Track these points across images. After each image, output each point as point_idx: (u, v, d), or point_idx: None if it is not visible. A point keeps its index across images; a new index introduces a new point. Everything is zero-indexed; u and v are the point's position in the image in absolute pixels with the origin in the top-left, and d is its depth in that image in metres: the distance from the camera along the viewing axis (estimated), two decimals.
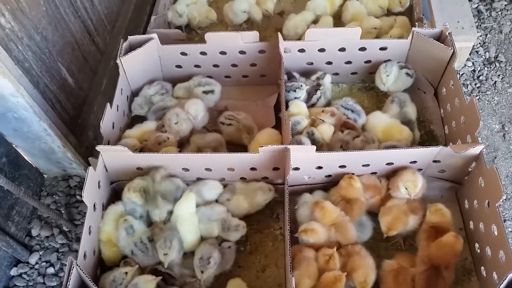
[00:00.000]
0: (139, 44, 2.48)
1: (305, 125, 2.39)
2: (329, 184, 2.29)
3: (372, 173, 2.26)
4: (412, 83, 2.62)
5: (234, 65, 2.70)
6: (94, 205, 2.07)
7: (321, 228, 2.08)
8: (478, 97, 3.20)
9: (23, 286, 2.41)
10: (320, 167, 2.18)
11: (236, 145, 2.51)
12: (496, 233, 1.91)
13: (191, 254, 2.11)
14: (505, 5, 3.67)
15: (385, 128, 2.41)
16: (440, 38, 2.46)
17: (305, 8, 3.07)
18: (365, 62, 2.68)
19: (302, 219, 2.19)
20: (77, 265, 1.77)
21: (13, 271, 2.43)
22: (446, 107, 2.45)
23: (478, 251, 2.09)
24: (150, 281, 1.94)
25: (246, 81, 2.82)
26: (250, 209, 2.27)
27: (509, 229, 2.69)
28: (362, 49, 2.58)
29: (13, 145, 2.46)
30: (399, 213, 2.11)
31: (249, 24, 3.14)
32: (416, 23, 2.70)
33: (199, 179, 2.29)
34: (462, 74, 3.31)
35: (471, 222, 2.18)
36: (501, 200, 1.88)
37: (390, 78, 2.56)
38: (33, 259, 2.47)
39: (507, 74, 3.30)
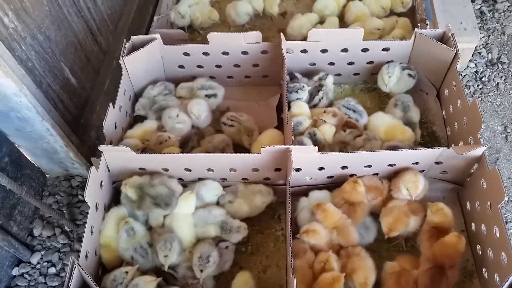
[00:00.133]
0: (142, 44, 2.48)
1: (307, 125, 2.39)
2: (331, 185, 2.28)
3: (374, 174, 2.25)
4: (415, 84, 2.62)
5: (236, 66, 2.70)
6: (96, 205, 2.07)
7: (322, 230, 2.08)
8: (480, 99, 3.20)
9: (25, 286, 2.41)
10: (322, 168, 2.18)
11: (238, 146, 2.51)
12: (498, 235, 1.90)
13: None
14: (508, 6, 3.66)
15: (387, 128, 2.41)
16: (443, 39, 2.46)
17: (312, 8, 3.09)
18: (368, 63, 2.68)
19: (302, 224, 2.18)
20: (79, 265, 1.77)
21: (15, 271, 2.43)
22: (449, 108, 2.45)
23: (480, 252, 2.09)
24: (150, 281, 1.94)
25: (248, 82, 2.82)
26: (251, 212, 2.27)
27: (511, 231, 2.69)
28: (365, 50, 2.58)
29: (16, 145, 2.47)
30: (400, 214, 2.11)
31: (251, 24, 3.14)
32: (419, 24, 2.69)
33: (200, 179, 2.29)
34: (464, 76, 3.31)
35: (473, 224, 2.18)
36: (503, 201, 1.88)
37: (392, 79, 2.56)
38: (34, 259, 2.47)
39: (510, 75, 3.30)
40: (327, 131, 2.35)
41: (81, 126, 2.62)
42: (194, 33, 3.18)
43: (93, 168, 2.03)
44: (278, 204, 2.35)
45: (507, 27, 3.54)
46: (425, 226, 2.11)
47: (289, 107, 2.42)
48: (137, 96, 2.68)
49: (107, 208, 2.22)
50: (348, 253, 2.04)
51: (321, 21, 3.02)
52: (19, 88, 2.05)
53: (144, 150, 2.33)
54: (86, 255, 1.94)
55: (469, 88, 3.26)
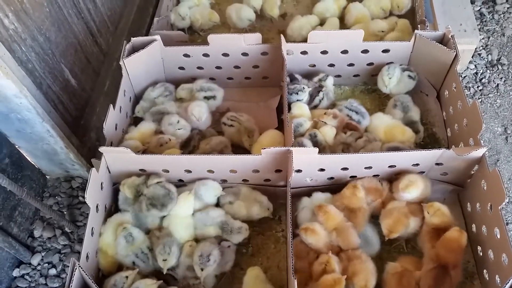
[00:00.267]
0: (142, 46, 2.48)
1: (308, 127, 2.39)
2: (332, 186, 2.28)
3: (375, 175, 2.25)
4: (415, 85, 2.62)
5: (236, 67, 2.70)
6: (97, 206, 2.07)
7: (322, 231, 2.08)
8: (480, 100, 3.20)
9: (26, 287, 2.41)
10: (322, 169, 2.18)
11: (238, 147, 2.52)
12: (498, 236, 1.90)
13: None
14: (508, 8, 3.66)
15: (387, 129, 2.41)
16: (443, 41, 2.46)
17: (312, 9, 3.09)
18: (368, 64, 2.67)
19: (302, 223, 2.17)
20: (79, 266, 1.77)
21: (16, 272, 2.43)
22: (449, 110, 2.45)
23: (481, 254, 2.09)
24: (151, 285, 1.94)
25: (248, 83, 2.82)
26: (248, 217, 2.26)
27: None
28: (365, 51, 2.58)
29: (16, 146, 2.47)
30: (400, 215, 2.11)
31: (251, 26, 3.15)
32: (419, 26, 2.70)
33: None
34: (464, 77, 3.31)
35: (473, 225, 2.17)
36: (504, 203, 1.88)
37: (392, 81, 2.56)
38: (35, 260, 2.47)
39: (510, 77, 3.30)
40: (327, 132, 2.35)
41: (81, 128, 2.62)
42: (194, 34, 3.18)
43: (93, 169, 2.03)
44: (278, 206, 2.35)
45: (507, 28, 3.55)
46: (425, 227, 2.11)
47: (289, 109, 2.42)
48: (138, 97, 2.68)
49: (108, 210, 2.22)
50: (348, 256, 2.03)
51: (321, 23, 3.02)
52: (19, 90, 2.05)
53: (144, 152, 2.32)
54: (87, 257, 1.94)
55: (469, 90, 3.26)
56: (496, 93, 3.23)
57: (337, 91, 2.82)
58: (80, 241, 2.52)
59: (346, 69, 2.71)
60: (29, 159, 2.59)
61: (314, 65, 2.68)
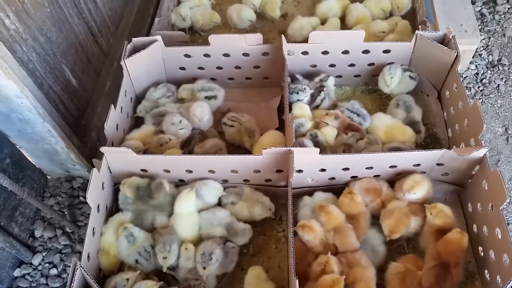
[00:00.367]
0: (143, 46, 2.48)
1: (309, 127, 2.39)
2: (332, 186, 2.29)
3: (375, 175, 2.26)
4: (416, 86, 2.62)
5: (237, 67, 2.70)
6: (98, 206, 2.07)
7: (319, 228, 2.08)
8: (481, 100, 3.20)
9: (26, 287, 2.41)
10: (323, 170, 2.18)
11: (238, 147, 2.53)
12: (500, 237, 1.90)
13: None
14: (508, 8, 3.66)
15: (387, 129, 2.42)
16: (444, 41, 2.46)
17: (313, 9, 3.10)
18: (369, 64, 2.68)
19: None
20: (81, 266, 1.77)
21: (17, 272, 2.43)
22: (450, 110, 2.45)
23: (482, 254, 2.09)
24: (151, 286, 1.94)
25: (249, 83, 2.82)
26: (249, 218, 2.26)
27: None
28: (366, 51, 2.59)
29: (17, 146, 2.46)
30: (401, 215, 2.11)
31: (252, 26, 3.15)
32: (420, 26, 2.70)
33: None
34: (465, 77, 3.31)
35: (474, 226, 2.18)
36: (505, 203, 1.88)
37: (394, 81, 2.56)
38: (36, 260, 2.47)
39: (510, 77, 3.30)
40: (328, 133, 2.35)
41: (82, 128, 2.62)
42: (195, 34, 3.19)
43: (94, 169, 2.03)
44: (279, 206, 2.35)
45: (508, 29, 3.55)
46: (428, 229, 2.11)
47: (290, 109, 2.42)
48: (138, 97, 2.68)
49: (109, 210, 2.22)
50: (349, 261, 2.03)
51: (323, 23, 3.02)
52: (21, 90, 2.05)
53: (145, 152, 2.32)
54: (88, 257, 1.94)
55: (470, 90, 3.26)
56: (496, 94, 3.23)
57: (338, 92, 2.82)
58: (81, 241, 2.52)
59: (347, 70, 2.71)
60: (30, 159, 2.59)
61: (315, 66, 2.68)
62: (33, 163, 2.62)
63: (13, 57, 2.02)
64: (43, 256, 2.49)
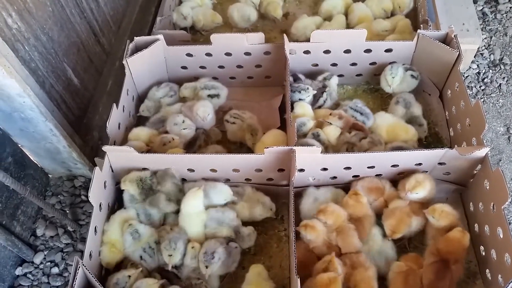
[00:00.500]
0: (145, 45, 2.48)
1: (311, 126, 2.39)
2: (334, 185, 2.29)
3: (377, 175, 2.26)
4: (417, 85, 2.62)
5: (239, 66, 2.70)
6: (100, 205, 2.08)
7: (321, 228, 2.08)
8: (482, 100, 3.20)
9: (28, 285, 2.41)
10: (325, 169, 2.19)
11: (240, 145, 2.53)
12: (501, 236, 1.90)
13: None
14: (510, 7, 3.66)
15: (389, 127, 2.42)
16: (446, 40, 2.46)
17: (314, 9, 3.11)
18: (370, 64, 2.68)
19: (304, 211, 2.21)
20: (83, 265, 1.78)
21: (18, 271, 2.43)
22: (451, 110, 2.45)
23: (483, 253, 2.09)
24: (152, 284, 1.94)
25: (251, 82, 2.82)
26: (249, 218, 2.26)
27: None
28: (368, 51, 2.58)
29: (19, 145, 2.47)
30: (402, 215, 2.11)
31: (254, 25, 3.15)
32: (421, 25, 2.69)
33: (204, 179, 2.28)
34: (466, 77, 3.31)
35: (476, 225, 2.18)
36: (507, 202, 1.88)
37: (395, 80, 2.56)
38: (38, 259, 2.47)
39: None
40: (330, 132, 2.35)
41: (84, 127, 2.63)
42: (196, 34, 3.18)
43: (97, 168, 2.03)
44: (281, 205, 2.35)
45: (509, 28, 3.54)
46: (433, 231, 2.09)
47: (292, 108, 2.42)
48: (140, 96, 2.68)
49: (111, 209, 2.22)
50: (353, 263, 2.02)
51: (328, 20, 3.03)
52: (23, 89, 2.06)
53: (148, 152, 2.32)
54: (90, 255, 1.94)
55: (471, 89, 3.26)
56: (498, 93, 3.23)
57: (339, 91, 2.81)
58: (83, 239, 2.52)
59: (349, 69, 2.71)
60: (32, 158, 2.59)
61: (317, 65, 2.67)
62: (35, 162, 2.62)
63: (15, 56, 2.02)
64: (45, 255, 2.49)
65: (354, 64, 2.68)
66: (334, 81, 2.64)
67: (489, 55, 3.42)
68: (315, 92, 2.53)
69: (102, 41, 2.81)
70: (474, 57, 3.35)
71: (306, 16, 3.00)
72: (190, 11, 3.07)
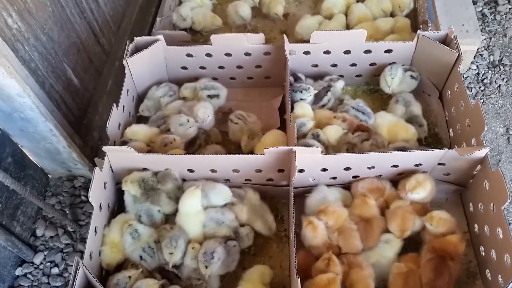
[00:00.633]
0: (145, 45, 2.48)
1: (311, 127, 2.39)
2: (334, 186, 2.29)
3: (377, 176, 2.26)
4: (417, 85, 2.62)
5: (239, 67, 2.70)
6: (100, 205, 2.07)
7: (322, 231, 2.08)
8: (482, 100, 3.20)
9: (28, 286, 2.41)
10: (325, 169, 2.19)
11: (240, 145, 2.52)
12: (501, 236, 1.90)
13: None
14: (510, 8, 3.66)
15: (390, 127, 2.42)
16: (445, 41, 2.47)
17: (314, 9, 3.12)
18: (370, 64, 2.68)
19: (311, 208, 2.20)
20: (83, 265, 1.78)
21: (18, 271, 2.43)
22: (451, 110, 2.45)
23: (483, 254, 2.09)
24: (152, 285, 1.94)
25: (251, 83, 2.82)
26: (246, 222, 2.24)
27: None
28: (367, 51, 2.59)
29: (19, 145, 2.47)
30: (405, 213, 2.11)
31: (253, 26, 3.15)
32: (421, 26, 2.70)
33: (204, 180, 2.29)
34: (466, 77, 3.31)
35: (475, 225, 2.18)
36: (507, 203, 1.88)
37: (395, 81, 2.56)
38: (37, 259, 2.47)
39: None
40: (330, 132, 2.35)
41: (84, 127, 2.63)
42: (196, 34, 3.18)
43: (97, 168, 2.03)
44: (281, 205, 2.36)
45: (509, 29, 3.55)
46: (431, 238, 2.08)
47: (292, 108, 2.42)
48: (140, 96, 2.68)
49: (111, 209, 2.22)
50: (350, 262, 2.03)
51: (328, 19, 3.03)
52: (23, 89, 2.05)
53: (149, 152, 2.32)
54: (90, 256, 1.94)
55: (471, 90, 3.26)
56: (498, 94, 3.23)
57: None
58: (82, 240, 2.52)
59: (349, 69, 2.71)
60: (31, 158, 2.59)
61: (317, 65, 2.68)
62: (35, 162, 2.62)
63: (15, 56, 2.02)
64: (45, 255, 2.49)
65: (354, 64, 2.68)
66: (339, 85, 2.64)
67: (489, 56, 3.43)
68: (316, 91, 2.53)
69: (102, 41, 2.81)
70: (474, 58, 3.36)
71: (310, 16, 3.01)
72: (189, 13, 3.07)
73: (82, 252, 1.93)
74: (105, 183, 2.14)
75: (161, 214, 2.24)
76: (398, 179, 2.25)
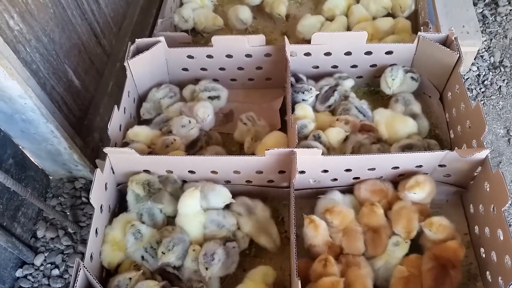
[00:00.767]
0: (146, 47, 2.49)
1: (312, 128, 2.39)
2: (335, 188, 2.29)
3: (378, 177, 2.26)
4: (418, 87, 2.62)
5: (240, 68, 2.71)
6: (101, 207, 2.08)
7: (324, 231, 2.08)
8: (482, 102, 3.20)
9: (28, 287, 2.41)
10: (326, 171, 2.19)
11: (241, 146, 2.53)
12: (502, 238, 1.90)
13: None
14: (510, 10, 3.67)
15: (388, 121, 2.43)
16: (446, 42, 2.47)
17: (315, 11, 3.12)
18: (371, 66, 2.68)
19: (320, 208, 2.20)
20: (84, 266, 1.78)
21: (19, 273, 2.44)
22: (452, 112, 2.45)
23: (484, 255, 2.09)
24: (153, 286, 1.94)
25: (251, 84, 2.83)
26: (248, 233, 2.24)
27: None
28: (368, 53, 2.59)
29: (20, 147, 2.47)
30: (409, 213, 2.10)
31: (254, 27, 3.16)
32: (422, 28, 2.70)
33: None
34: (466, 79, 3.32)
35: (476, 227, 2.18)
36: (507, 204, 1.88)
37: (396, 82, 2.56)
38: (38, 261, 2.48)
39: None
40: (332, 134, 2.35)
41: (85, 128, 2.63)
42: (197, 36, 3.19)
43: (98, 170, 2.03)
44: (282, 207, 2.36)
45: (509, 30, 3.55)
46: (429, 244, 2.07)
47: (293, 110, 2.42)
48: (141, 98, 2.69)
49: (112, 211, 2.23)
50: (348, 261, 2.04)
51: (330, 20, 3.03)
52: (24, 90, 2.06)
53: (149, 154, 2.32)
54: (91, 257, 1.94)
55: (472, 92, 3.27)
56: (498, 95, 3.24)
57: None
58: (83, 241, 2.53)
59: (349, 71, 2.71)
60: (32, 160, 2.59)
61: (318, 67, 2.68)
62: (36, 163, 2.63)
63: (16, 58, 2.03)
64: (45, 257, 2.50)
65: (354, 66, 2.68)
66: (348, 83, 2.64)
67: (489, 57, 3.43)
68: (318, 92, 2.53)
69: (103, 43, 2.82)
70: (474, 59, 3.36)
71: (311, 16, 3.01)
72: (191, 14, 3.07)
73: (82, 254, 1.93)
74: (106, 184, 2.14)
75: (163, 215, 2.24)
76: (398, 180, 2.25)
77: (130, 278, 1.98)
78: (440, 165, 2.18)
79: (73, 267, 1.78)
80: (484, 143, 2.10)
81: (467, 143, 2.26)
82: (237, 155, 2.19)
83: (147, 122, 2.58)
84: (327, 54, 2.59)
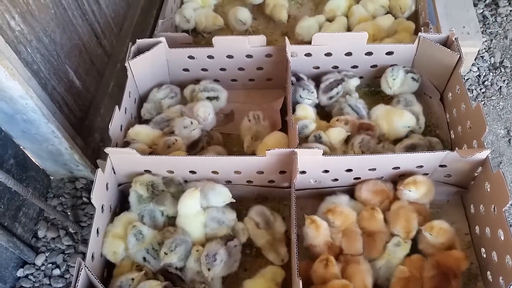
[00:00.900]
0: (147, 48, 2.49)
1: (313, 129, 2.40)
2: (336, 188, 2.29)
3: (379, 177, 2.26)
4: (418, 87, 2.63)
5: (241, 69, 2.71)
6: (102, 207, 2.08)
7: (324, 232, 2.08)
8: (483, 102, 3.21)
9: (30, 287, 2.42)
10: (326, 171, 2.19)
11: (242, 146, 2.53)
12: (502, 238, 1.91)
13: None
14: (510, 10, 3.67)
15: (385, 114, 2.45)
16: (447, 43, 2.47)
17: (315, 12, 3.12)
18: (371, 66, 2.68)
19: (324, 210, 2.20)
20: (85, 266, 1.78)
21: (20, 272, 2.44)
22: (452, 112, 2.46)
23: (484, 256, 2.09)
24: (155, 286, 1.94)
25: (252, 85, 2.83)
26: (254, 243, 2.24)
27: None
28: (369, 53, 2.59)
29: (21, 147, 2.47)
30: (407, 213, 2.10)
31: (255, 28, 3.16)
32: (422, 28, 2.70)
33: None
34: (467, 79, 3.32)
35: (477, 227, 2.18)
36: (508, 204, 1.88)
37: (396, 82, 2.57)
38: (39, 261, 2.48)
39: None
40: (333, 134, 2.35)
41: (86, 129, 2.63)
42: (198, 36, 3.19)
43: (99, 170, 2.04)
44: (282, 207, 2.36)
45: (510, 31, 3.56)
46: (428, 248, 2.08)
47: (294, 110, 2.43)
48: (142, 98, 2.69)
49: (113, 211, 2.23)
50: (347, 260, 2.04)
51: (330, 21, 3.03)
52: (25, 91, 2.06)
53: (151, 154, 2.32)
54: (92, 257, 1.95)
55: (472, 92, 3.27)
56: (499, 96, 3.24)
57: None
58: (84, 241, 2.53)
59: (350, 71, 2.71)
60: (33, 160, 2.60)
61: (318, 67, 2.68)
62: (37, 163, 2.63)
63: (18, 58, 2.03)
64: (46, 257, 2.50)
65: (355, 66, 2.68)
66: (353, 82, 2.65)
67: (490, 58, 3.44)
68: (317, 101, 2.54)
69: (103, 43, 2.82)
70: (475, 60, 3.37)
71: (308, 17, 3.01)
72: (192, 14, 3.07)
73: (83, 254, 1.94)
74: (107, 184, 2.14)
75: (164, 217, 2.24)
76: (399, 180, 2.25)
77: (133, 279, 1.98)
78: (440, 166, 2.18)
79: (74, 267, 1.78)
80: (485, 144, 2.10)
81: (467, 144, 2.26)
82: (238, 155, 2.20)
83: (147, 121, 2.58)
84: (328, 54, 2.59)
